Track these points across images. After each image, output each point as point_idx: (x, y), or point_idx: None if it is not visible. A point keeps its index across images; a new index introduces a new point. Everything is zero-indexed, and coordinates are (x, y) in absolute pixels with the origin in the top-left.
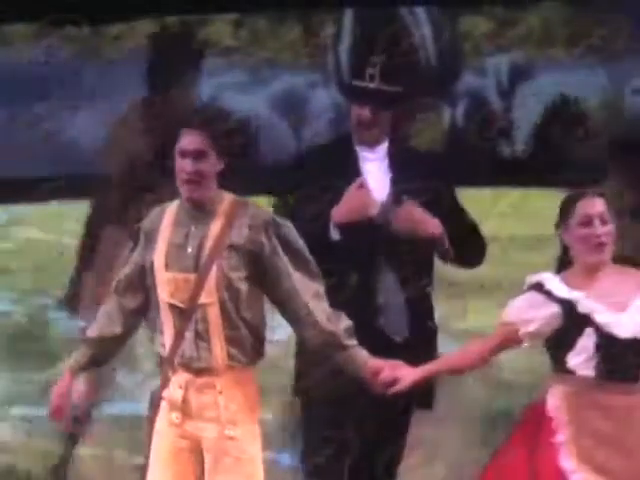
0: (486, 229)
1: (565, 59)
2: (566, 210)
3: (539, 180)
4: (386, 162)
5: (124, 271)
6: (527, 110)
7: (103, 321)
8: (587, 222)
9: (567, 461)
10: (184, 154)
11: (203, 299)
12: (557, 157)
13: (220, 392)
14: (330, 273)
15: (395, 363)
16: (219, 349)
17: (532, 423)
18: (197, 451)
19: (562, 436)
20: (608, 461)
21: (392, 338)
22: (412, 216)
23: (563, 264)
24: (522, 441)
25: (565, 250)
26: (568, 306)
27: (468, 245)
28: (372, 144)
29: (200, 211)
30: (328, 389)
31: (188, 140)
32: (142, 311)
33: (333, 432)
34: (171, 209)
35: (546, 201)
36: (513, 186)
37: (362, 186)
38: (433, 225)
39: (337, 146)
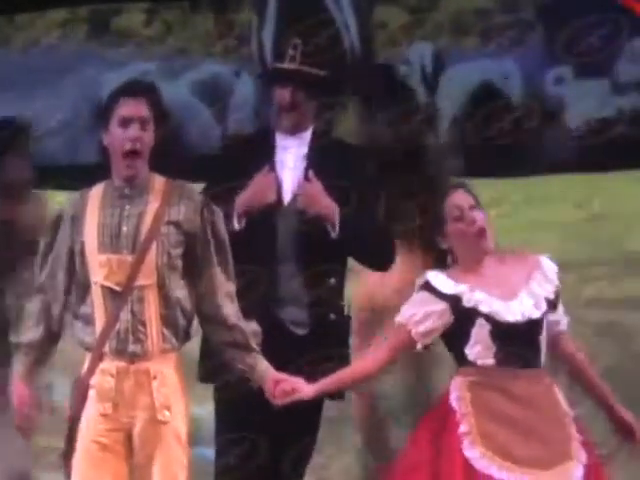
0: None
1: (483, 49)
2: (437, 214)
3: (463, 169)
4: (304, 151)
5: (46, 269)
6: (450, 100)
7: (38, 322)
8: (459, 215)
9: (471, 450)
10: (128, 121)
11: (141, 280)
12: (481, 146)
13: (154, 377)
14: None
15: (296, 379)
16: (155, 331)
17: (436, 418)
18: (128, 444)
19: (465, 426)
20: (514, 445)
21: (294, 331)
22: (312, 190)
23: (450, 262)
24: (426, 437)
25: (449, 249)
26: (455, 301)
27: (378, 246)
28: (293, 130)
29: (133, 189)
30: (235, 388)
31: (133, 107)
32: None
33: (241, 433)
34: (95, 192)
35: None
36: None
37: (268, 174)
38: (329, 205)
39: (258, 137)
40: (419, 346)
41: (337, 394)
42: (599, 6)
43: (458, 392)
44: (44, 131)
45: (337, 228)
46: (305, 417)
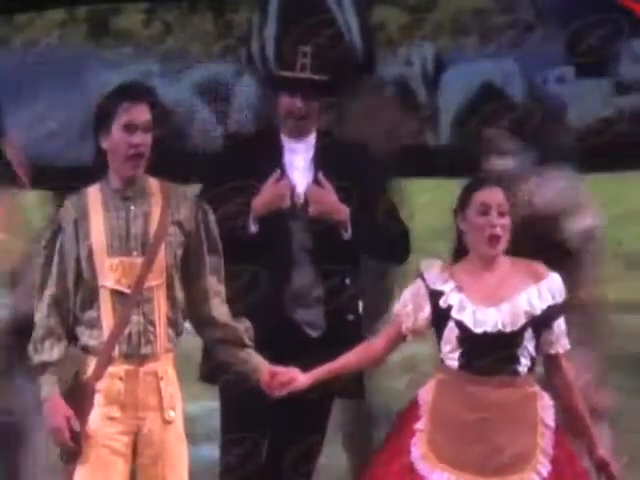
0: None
1: (483, 49)
2: (464, 198)
3: (463, 170)
4: (311, 153)
5: (54, 280)
6: (451, 100)
7: (59, 337)
8: (484, 211)
9: (416, 449)
10: (133, 128)
11: (151, 281)
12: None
13: (161, 378)
14: (246, 267)
15: (290, 369)
16: (163, 332)
17: (407, 410)
18: (133, 446)
19: (420, 423)
20: (459, 450)
21: (308, 333)
22: (323, 194)
23: (458, 254)
24: (395, 427)
25: (460, 239)
26: (436, 298)
27: (391, 239)
28: (301, 135)
29: (134, 190)
30: (240, 387)
31: (137, 113)
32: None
33: (245, 432)
34: (92, 194)
35: None
36: (437, 176)
37: (281, 178)
38: (340, 208)
39: (263, 137)
40: (409, 339)
41: (356, 394)
42: (599, 6)
43: (428, 386)
44: (44, 131)
45: (349, 229)
46: (314, 417)
